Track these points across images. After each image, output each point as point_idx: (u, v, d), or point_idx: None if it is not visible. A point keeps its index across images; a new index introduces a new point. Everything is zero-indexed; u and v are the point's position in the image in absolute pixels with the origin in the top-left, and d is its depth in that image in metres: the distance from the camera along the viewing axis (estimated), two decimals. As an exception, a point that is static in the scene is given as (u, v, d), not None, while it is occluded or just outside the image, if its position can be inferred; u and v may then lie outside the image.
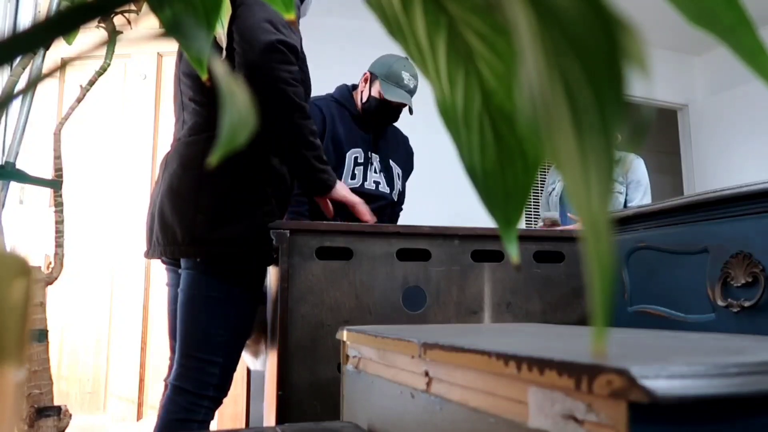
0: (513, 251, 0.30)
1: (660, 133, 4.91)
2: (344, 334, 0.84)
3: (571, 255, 1.40)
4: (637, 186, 2.44)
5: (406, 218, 2.11)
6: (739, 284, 1.04)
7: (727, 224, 1.07)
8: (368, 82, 1.96)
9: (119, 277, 2.37)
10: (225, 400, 1.33)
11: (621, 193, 2.43)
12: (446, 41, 0.29)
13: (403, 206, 2.13)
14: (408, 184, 2.14)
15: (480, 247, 1.35)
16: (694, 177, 4.23)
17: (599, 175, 0.19)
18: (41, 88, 2.25)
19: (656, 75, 4.01)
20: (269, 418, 1.35)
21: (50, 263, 1.22)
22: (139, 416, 2.27)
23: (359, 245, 1.28)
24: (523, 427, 0.42)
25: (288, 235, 1.24)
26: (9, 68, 1.23)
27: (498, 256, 1.36)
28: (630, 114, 0.18)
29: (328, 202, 1.44)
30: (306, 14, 1.59)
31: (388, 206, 2.00)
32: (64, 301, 2.30)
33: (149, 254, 1.42)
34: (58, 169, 1.25)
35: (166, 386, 1.33)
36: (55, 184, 1.24)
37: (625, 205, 2.41)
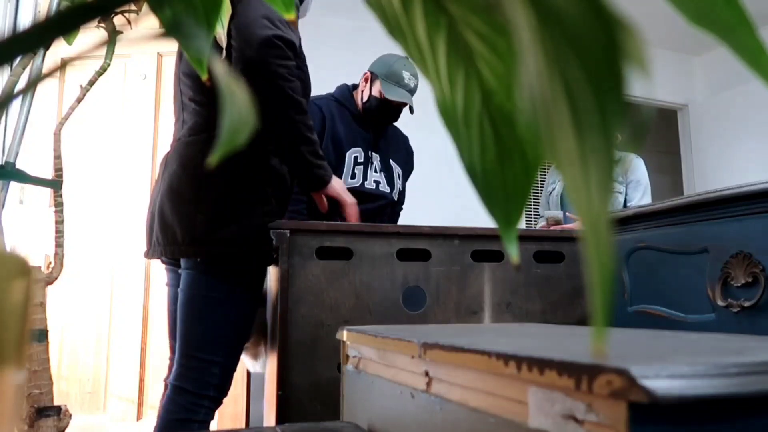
0: (513, 251, 0.30)
1: (660, 133, 4.91)
2: (344, 334, 0.84)
3: (571, 255, 1.40)
4: (636, 185, 2.44)
5: (406, 218, 2.11)
6: (739, 284, 1.04)
7: (727, 224, 1.07)
8: (369, 81, 1.96)
9: (119, 277, 2.37)
10: (225, 400, 1.33)
11: (621, 192, 2.43)
12: (446, 41, 0.29)
13: (403, 206, 2.13)
14: (408, 184, 2.14)
15: (480, 247, 1.35)
16: (694, 177, 4.23)
17: (599, 175, 0.19)
18: (41, 88, 2.25)
19: (656, 75, 4.01)
20: (269, 418, 1.35)
21: (50, 263, 1.22)
22: (139, 416, 2.27)
23: (359, 245, 1.28)
24: (523, 427, 0.42)
25: (288, 235, 1.24)
26: (9, 68, 1.23)
27: (498, 256, 1.36)
28: (630, 114, 0.18)
29: (323, 197, 1.44)
30: (306, 14, 1.59)
31: (388, 206, 2.00)
32: (64, 301, 2.30)
33: (149, 254, 1.42)
34: (58, 169, 1.25)
35: (166, 386, 1.33)
36: (55, 184, 1.24)
37: (624, 205, 2.41)
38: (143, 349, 2.32)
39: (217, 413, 1.36)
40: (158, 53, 2.50)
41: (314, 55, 1.80)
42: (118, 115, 2.50)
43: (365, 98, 1.95)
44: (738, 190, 1.05)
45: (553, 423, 0.38)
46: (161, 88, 2.49)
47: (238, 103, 0.23)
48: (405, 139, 2.15)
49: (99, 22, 1.14)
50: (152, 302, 2.36)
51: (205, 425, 1.28)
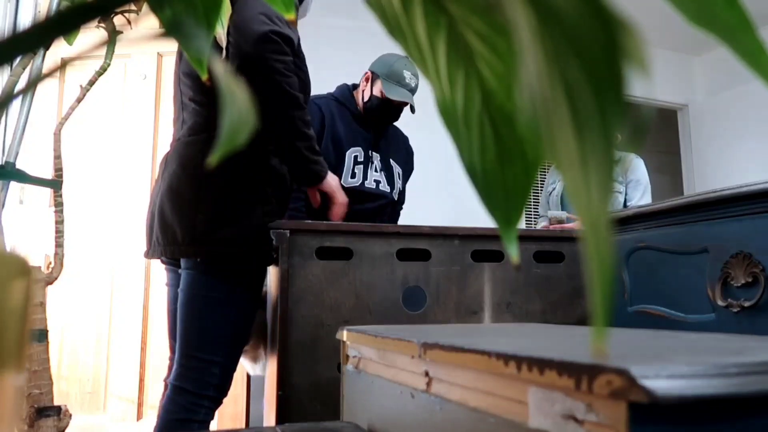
0: (513, 251, 0.30)
1: (660, 133, 4.91)
2: (344, 334, 0.84)
3: (571, 255, 1.40)
4: (636, 185, 2.44)
5: (406, 218, 2.11)
6: (739, 284, 1.04)
7: (727, 224, 1.07)
8: (369, 81, 1.96)
9: (119, 277, 2.37)
10: (225, 400, 1.33)
11: (620, 192, 2.43)
12: (446, 41, 0.29)
13: (403, 206, 2.13)
14: (408, 184, 2.14)
15: (480, 247, 1.35)
16: (694, 177, 4.23)
17: (599, 175, 0.19)
18: (41, 88, 2.25)
19: (656, 75, 4.01)
20: (269, 418, 1.35)
21: (50, 263, 1.22)
22: (139, 416, 2.27)
23: (359, 245, 1.28)
24: (523, 427, 0.42)
25: (288, 235, 1.24)
26: (9, 68, 1.23)
27: (498, 256, 1.36)
28: (630, 114, 0.18)
29: (317, 192, 1.44)
30: (306, 15, 1.59)
31: (388, 205, 2.00)
32: (64, 301, 2.30)
33: (149, 254, 1.42)
34: (58, 169, 1.25)
35: (166, 386, 1.33)
36: (55, 184, 1.24)
37: (624, 205, 2.41)
38: (143, 349, 2.32)
39: (217, 413, 1.36)
40: (158, 53, 2.50)
41: (314, 55, 1.80)
42: (118, 115, 2.50)
43: (366, 98, 1.95)
44: (738, 190, 1.05)
45: (553, 423, 0.38)
46: (161, 88, 2.49)
47: (238, 103, 0.23)
48: (405, 139, 2.15)
49: (99, 22, 1.14)
50: (152, 302, 2.36)
51: (205, 425, 1.28)
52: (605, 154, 0.19)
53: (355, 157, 1.93)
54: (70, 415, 1.13)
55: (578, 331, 0.73)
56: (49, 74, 0.28)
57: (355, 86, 2.04)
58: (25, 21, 2.22)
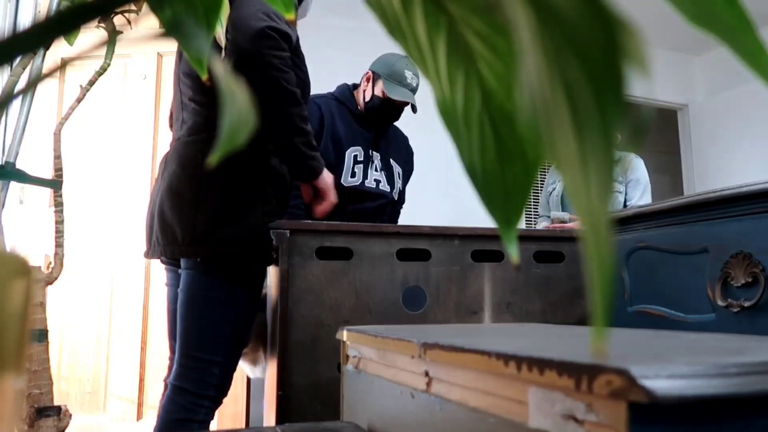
0: (513, 251, 0.30)
1: (660, 133, 4.91)
2: (344, 334, 0.84)
3: (571, 255, 1.40)
4: (636, 184, 2.44)
5: (406, 218, 2.11)
6: (739, 284, 1.04)
7: (727, 224, 1.07)
8: (371, 81, 1.95)
9: (119, 277, 2.37)
10: (225, 400, 1.33)
11: (620, 192, 2.43)
12: (446, 41, 0.29)
13: (402, 206, 2.13)
14: (408, 184, 2.14)
15: (480, 247, 1.35)
16: (694, 177, 4.23)
17: (599, 175, 0.19)
18: (41, 88, 2.25)
19: (656, 75, 4.01)
20: (269, 418, 1.35)
21: (50, 263, 1.22)
22: (139, 416, 2.27)
23: (359, 245, 1.28)
24: (523, 427, 0.42)
25: (288, 235, 1.24)
26: (9, 68, 1.23)
27: (498, 256, 1.36)
28: (630, 114, 0.18)
29: (309, 187, 1.44)
30: (306, 15, 1.59)
31: (388, 204, 2.00)
32: (64, 301, 2.30)
33: (149, 254, 1.42)
34: (58, 169, 1.25)
35: (166, 386, 1.33)
36: (55, 184, 1.24)
37: (624, 204, 2.42)
38: (143, 349, 2.32)
39: (217, 413, 1.36)
40: (158, 53, 2.50)
41: (314, 55, 1.80)
42: (118, 115, 2.50)
43: (368, 98, 1.95)
44: (738, 190, 1.05)
45: (553, 423, 0.38)
46: (161, 88, 2.49)
47: (238, 103, 0.23)
48: (405, 139, 2.15)
49: (99, 22, 1.14)
50: (152, 302, 2.36)
51: (205, 425, 1.28)
52: (605, 154, 0.19)
53: (355, 156, 1.93)
54: (70, 415, 1.13)
55: (578, 331, 0.73)
56: (49, 74, 0.28)
57: (356, 86, 2.03)
58: (25, 21, 2.22)
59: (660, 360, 0.37)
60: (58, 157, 1.25)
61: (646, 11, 2.18)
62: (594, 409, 0.35)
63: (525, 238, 1.39)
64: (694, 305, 1.14)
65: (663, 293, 1.22)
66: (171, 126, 1.60)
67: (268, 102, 1.28)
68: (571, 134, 0.19)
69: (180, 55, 1.49)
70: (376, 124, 1.98)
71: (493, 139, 0.29)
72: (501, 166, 0.29)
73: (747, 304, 1.02)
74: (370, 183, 1.95)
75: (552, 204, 2.60)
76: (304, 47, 1.44)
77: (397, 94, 1.89)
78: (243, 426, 2.07)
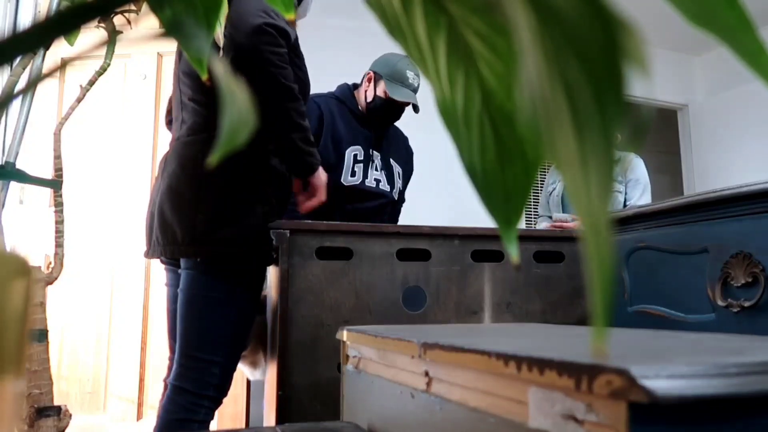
0: (513, 251, 0.30)
1: (660, 133, 4.90)
2: (344, 334, 0.84)
3: (571, 255, 1.40)
4: (635, 184, 2.44)
5: (406, 218, 2.11)
6: (739, 284, 1.04)
7: (727, 224, 1.07)
8: (372, 81, 1.95)
9: (119, 277, 2.37)
10: (225, 400, 1.33)
11: (620, 192, 2.43)
12: (446, 41, 0.29)
13: (402, 205, 2.13)
14: (408, 184, 2.14)
15: (480, 247, 1.35)
16: (694, 177, 4.23)
17: (599, 175, 0.19)
18: (41, 88, 2.25)
19: (656, 75, 4.01)
20: (269, 418, 1.35)
21: (50, 263, 1.22)
22: (139, 416, 2.27)
23: (359, 245, 1.28)
24: (523, 427, 0.42)
25: (288, 235, 1.24)
26: (9, 68, 1.23)
27: (498, 256, 1.36)
28: (630, 114, 0.18)
29: (300, 182, 1.43)
30: (306, 15, 1.59)
31: (388, 204, 2.00)
32: (64, 301, 2.30)
33: (149, 254, 1.42)
34: (58, 169, 1.25)
35: (165, 386, 1.33)
36: (55, 184, 1.24)
37: (624, 204, 2.41)
38: (143, 349, 2.32)
39: (217, 413, 1.36)
40: (158, 53, 2.50)
41: (314, 55, 1.80)
42: (118, 115, 2.50)
43: (370, 98, 1.95)
44: (738, 190, 1.05)
45: (553, 423, 0.38)
46: (161, 88, 2.49)
47: (238, 103, 0.23)
48: (405, 139, 2.15)
49: (99, 22, 1.14)
50: (152, 302, 2.36)
51: (205, 425, 1.28)
52: (605, 154, 0.19)
53: (355, 155, 1.93)
54: (70, 415, 1.13)
55: (578, 331, 0.73)
56: (49, 74, 0.28)
57: (356, 86, 2.03)
58: (25, 21, 2.22)
59: (660, 360, 0.37)
60: (58, 157, 1.25)
61: (646, 11, 2.17)
62: (594, 409, 0.35)
63: (525, 238, 1.39)
64: (694, 305, 1.14)
65: (663, 293, 1.22)
66: (168, 125, 1.60)
67: (266, 97, 1.29)
68: (571, 134, 0.19)
69: (180, 55, 1.49)
70: (377, 124, 1.98)
71: (493, 139, 0.29)
72: (501, 166, 0.29)
73: (747, 304, 1.02)
74: (370, 182, 1.95)
75: (552, 204, 2.60)
76: (304, 47, 1.44)
77: (400, 95, 1.89)
78: (243, 426, 2.07)
